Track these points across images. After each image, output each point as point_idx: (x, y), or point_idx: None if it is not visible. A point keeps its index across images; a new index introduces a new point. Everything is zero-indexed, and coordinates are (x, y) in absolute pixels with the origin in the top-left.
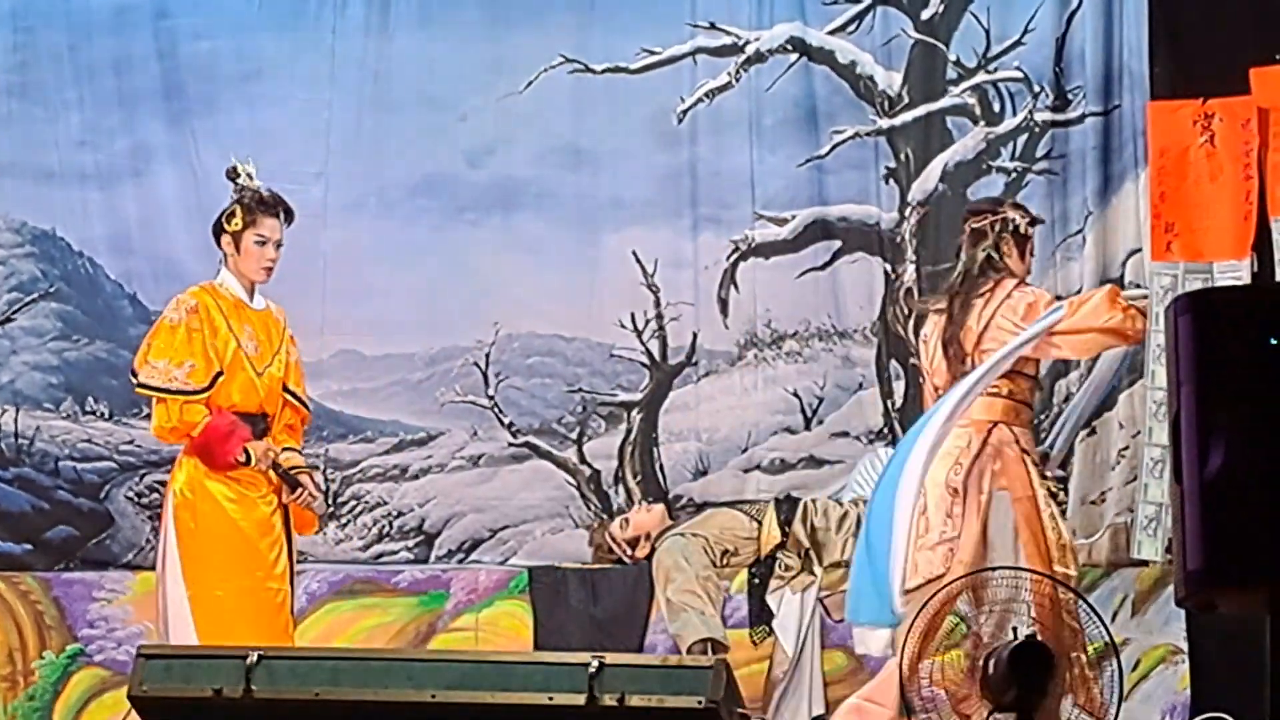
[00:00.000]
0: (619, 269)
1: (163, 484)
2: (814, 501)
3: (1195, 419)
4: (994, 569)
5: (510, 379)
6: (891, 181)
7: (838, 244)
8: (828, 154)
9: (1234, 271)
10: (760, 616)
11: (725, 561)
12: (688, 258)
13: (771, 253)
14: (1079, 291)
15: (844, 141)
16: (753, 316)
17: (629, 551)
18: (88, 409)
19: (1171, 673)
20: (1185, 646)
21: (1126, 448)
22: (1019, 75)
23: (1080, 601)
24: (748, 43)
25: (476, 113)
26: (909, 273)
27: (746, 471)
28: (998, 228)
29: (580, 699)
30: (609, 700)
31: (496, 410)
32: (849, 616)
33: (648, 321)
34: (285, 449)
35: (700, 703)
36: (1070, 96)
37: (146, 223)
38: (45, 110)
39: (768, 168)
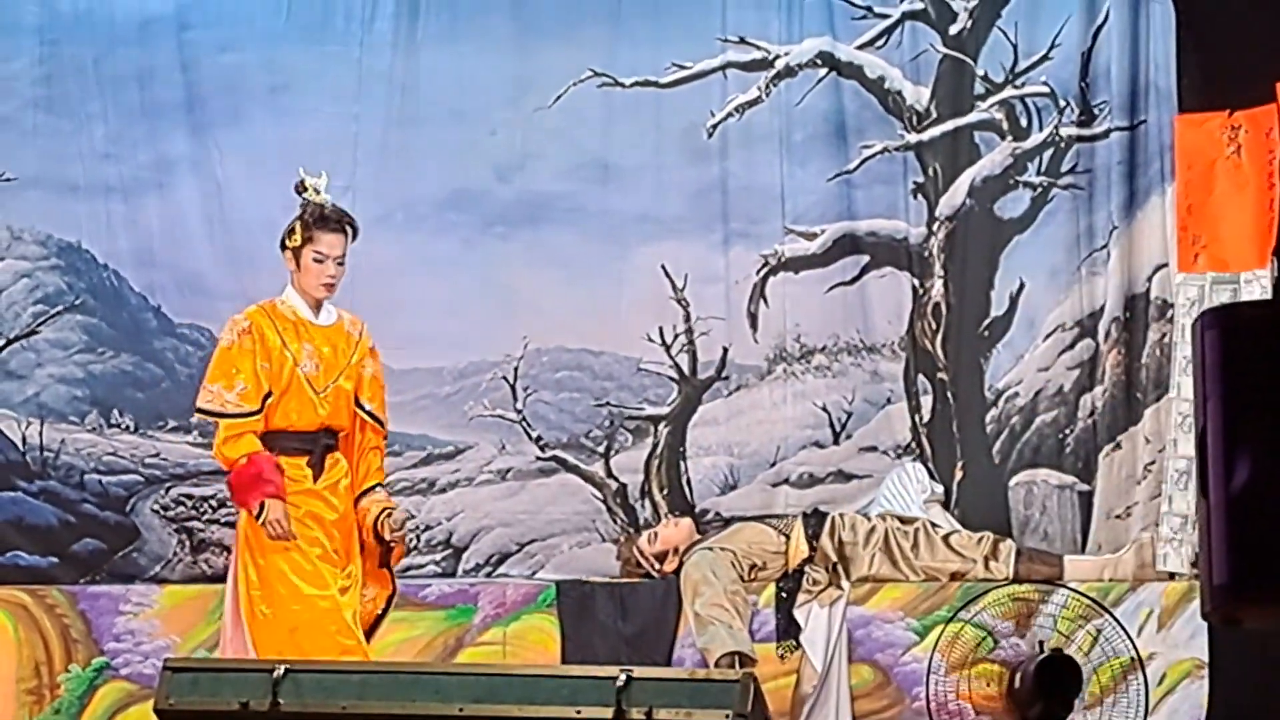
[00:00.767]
0: (647, 283)
1: (189, 496)
2: (842, 516)
3: (1222, 433)
4: (1024, 582)
5: (538, 393)
6: (920, 196)
7: (866, 259)
8: (856, 169)
9: (1259, 280)
10: (788, 631)
11: (753, 575)
12: (719, 272)
13: (801, 267)
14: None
15: (872, 156)
16: (782, 331)
17: (657, 565)
18: (113, 422)
19: (1197, 687)
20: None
21: (1153, 462)
22: (1046, 90)
23: (1108, 616)
24: (777, 57)
25: (505, 127)
26: (937, 287)
27: (775, 486)
28: None
29: (608, 712)
30: (636, 714)
31: (524, 424)
32: None
33: (676, 336)
34: (371, 488)
35: (728, 716)
36: (1096, 111)
37: (170, 235)
38: (70, 123)
39: (797, 182)
